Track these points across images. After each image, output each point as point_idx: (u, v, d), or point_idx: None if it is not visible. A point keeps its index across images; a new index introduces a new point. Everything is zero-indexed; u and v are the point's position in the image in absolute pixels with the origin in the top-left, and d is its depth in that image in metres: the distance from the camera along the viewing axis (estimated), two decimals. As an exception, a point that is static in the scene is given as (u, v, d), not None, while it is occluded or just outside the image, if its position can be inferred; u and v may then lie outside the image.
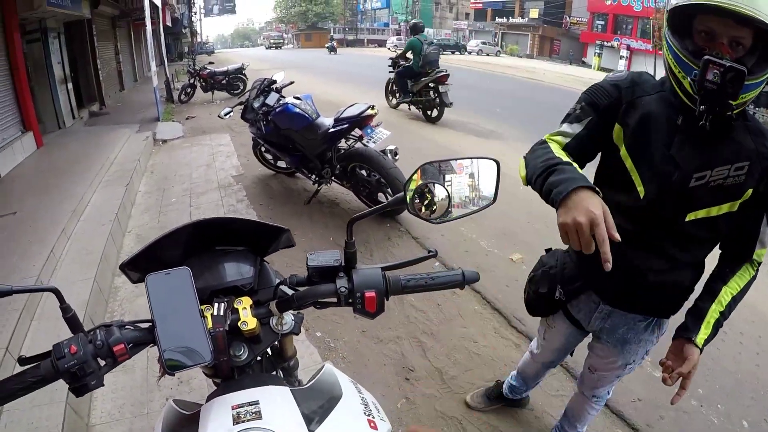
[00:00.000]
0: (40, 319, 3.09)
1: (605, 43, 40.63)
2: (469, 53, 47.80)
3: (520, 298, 3.60)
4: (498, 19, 54.63)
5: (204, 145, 8.37)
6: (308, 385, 1.04)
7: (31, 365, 0.90)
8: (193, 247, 1.15)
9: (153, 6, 11.68)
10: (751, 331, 3.79)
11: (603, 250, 1.09)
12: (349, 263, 1.08)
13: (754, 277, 1.55)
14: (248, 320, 1.00)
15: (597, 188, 1.20)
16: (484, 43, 49.55)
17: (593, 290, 1.76)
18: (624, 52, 37.30)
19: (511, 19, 52.48)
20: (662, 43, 1.41)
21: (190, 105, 13.34)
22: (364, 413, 1.00)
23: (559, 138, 1.56)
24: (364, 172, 4.82)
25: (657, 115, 1.44)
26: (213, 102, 13.56)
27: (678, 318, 1.64)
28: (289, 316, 1.07)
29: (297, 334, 1.10)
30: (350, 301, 1.05)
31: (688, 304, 1.64)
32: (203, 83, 13.84)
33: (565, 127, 1.56)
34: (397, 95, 11.08)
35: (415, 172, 1.12)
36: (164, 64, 15.25)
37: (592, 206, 1.13)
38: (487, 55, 46.77)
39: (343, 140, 4.95)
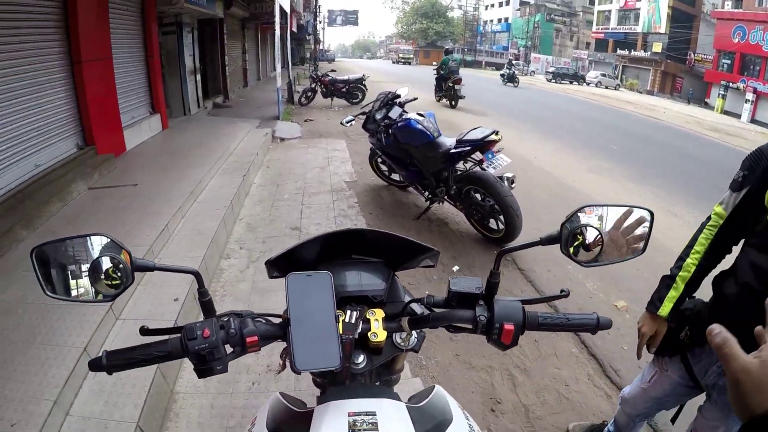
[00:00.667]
0: (125, 319, 3.05)
1: (730, 84, 37.89)
2: (588, 84, 46.18)
3: (620, 348, 3.54)
4: (619, 51, 52.61)
5: (320, 148, 8.68)
6: (422, 404, 1.04)
7: (157, 339, 0.96)
8: (331, 253, 1.18)
9: (282, 12, 12.25)
10: None
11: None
12: (491, 292, 1.08)
13: None
14: (378, 332, 1.01)
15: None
16: (603, 75, 47.76)
17: None
18: (750, 96, 34.41)
19: (632, 52, 50.27)
20: None
21: (309, 108, 13.88)
22: None
23: (719, 210, 1.62)
24: (478, 195, 4.79)
25: None
26: (332, 108, 14.02)
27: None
28: (414, 334, 1.08)
29: (417, 351, 1.10)
30: (486, 329, 1.04)
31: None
32: (324, 89, 14.39)
33: (726, 197, 1.59)
34: (437, 93, 17.03)
35: (574, 212, 1.12)
36: (287, 67, 15.91)
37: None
38: (606, 87, 44.98)
39: (462, 162, 4.93)
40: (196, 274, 0.99)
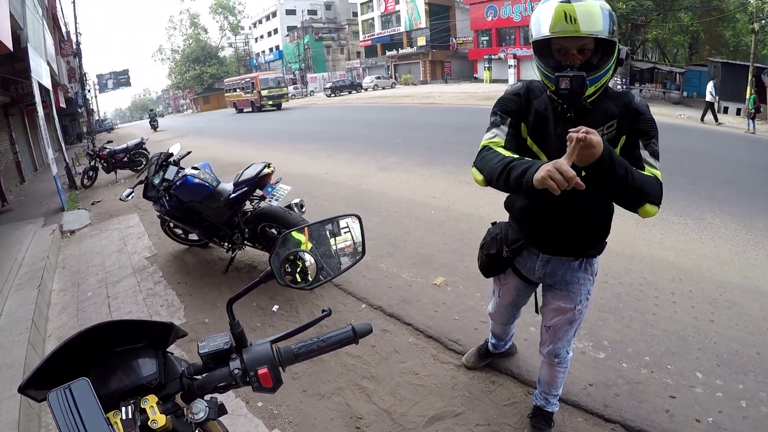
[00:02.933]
0: None
1: (493, 56, 42.78)
2: (365, 90, 48.92)
3: (452, 321, 3.83)
4: (388, 53, 56.39)
5: (113, 230, 8.05)
6: None
7: None
8: (95, 353, 1.11)
9: (43, 89, 11.30)
10: (681, 289, 4.20)
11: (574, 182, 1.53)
12: (240, 343, 1.11)
13: (656, 179, 1.85)
14: (157, 418, 0.99)
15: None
16: (378, 77, 50.97)
17: (532, 245, 2.24)
18: (512, 62, 39.50)
19: (400, 51, 54.28)
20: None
21: (94, 189, 12.83)
22: None
23: (496, 140, 1.98)
24: (274, 230, 4.83)
25: (545, 110, 1.96)
26: (117, 182, 13.13)
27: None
28: (200, 404, 1.06)
29: (215, 419, 1.09)
30: (247, 380, 1.07)
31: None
32: (104, 164, 13.36)
33: (496, 131, 2.01)
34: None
35: (277, 243, 1.18)
36: (62, 149, 14.66)
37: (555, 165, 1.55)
38: (383, 88, 48.15)
39: (247, 202, 4.96)
40: None
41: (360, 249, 1.30)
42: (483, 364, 3.20)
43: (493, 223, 2.51)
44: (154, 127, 33.00)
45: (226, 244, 5.16)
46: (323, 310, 1.19)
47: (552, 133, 1.95)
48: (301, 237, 1.29)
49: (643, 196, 1.78)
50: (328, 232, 1.33)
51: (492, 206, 6.20)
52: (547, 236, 2.16)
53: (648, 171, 1.85)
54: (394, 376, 3.26)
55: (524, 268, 2.34)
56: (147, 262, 6.09)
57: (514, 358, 3.27)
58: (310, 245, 1.27)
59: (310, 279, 1.22)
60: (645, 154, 1.88)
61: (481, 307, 3.91)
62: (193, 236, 5.96)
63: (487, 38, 45.31)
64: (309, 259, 1.21)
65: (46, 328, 4.87)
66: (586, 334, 3.51)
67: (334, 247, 1.30)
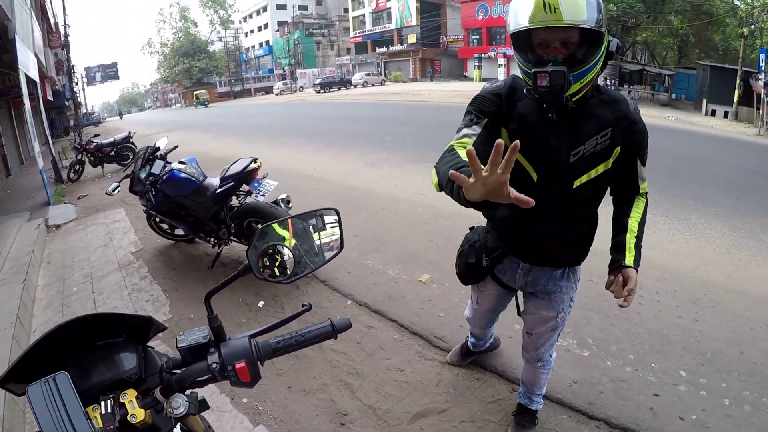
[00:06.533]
0: None
1: (483, 55, 42.95)
2: (355, 86, 48.85)
3: (437, 317, 3.83)
4: (378, 50, 56.39)
5: (99, 224, 7.98)
6: None
7: None
8: (75, 347, 1.10)
9: (31, 82, 11.18)
10: (665, 288, 4.24)
11: (520, 201, 1.19)
12: (219, 337, 1.10)
13: (647, 203, 1.97)
14: (136, 412, 0.98)
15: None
16: (368, 74, 50.82)
17: (513, 254, 2.14)
18: (502, 61, 39.68)
19: (391, 48, 54.30)
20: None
21: (81, 183, 12.71)
22: None
23: (465, 140, 1.75)
24: (259, 226, 4.78)
25: (532, 113, 1.79)
26: (104, 176, 13.01)
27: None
28: (180, 399, 1.05)
29: (195, 414, 1.08)
30: (225, 375, 1.06)
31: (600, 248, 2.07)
32: (91, 158, 13.25)
33: (467, 131, 1.78)
34: None
35: (255, 236, 1.17)
36: (49, 142, 14.53)
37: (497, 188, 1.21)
38: (373, 85, 48.14)
39: (234, 197, 4.94)
40: None
41: (339, 242, 1.29)
42: (467, 362, 3.21)
43: (471, 228, 2.41)
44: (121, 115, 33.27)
45: (212, 239, 5.13)
46: (303, 305, 1.18)
47: (540, 139, 1.79)
48: (283, 231, 1.28)
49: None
50: (312, 227, 1.31)
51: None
52: (528, 247, 2.06)
53: (642, 188, 1.92)
54: (379, 372, 3.26)
55: (504, 276, 2.23)
56: (133, 257, 6.04)
57: (499, 355, 3.28)
58: (293, 241, 1.26)
59: (288, 272, 1.21)
60: (640, 170, 1.87)
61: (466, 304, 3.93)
62: (179, 231, 5.91)
63: (477, 37, 45.49)
64: (287, 252, 1.20)
65: (31, 323, 4.81)
66: (570, 332, 3.53)
67: (318, 242, 1.29)
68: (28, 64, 10.42)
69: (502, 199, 1.21)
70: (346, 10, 65.67)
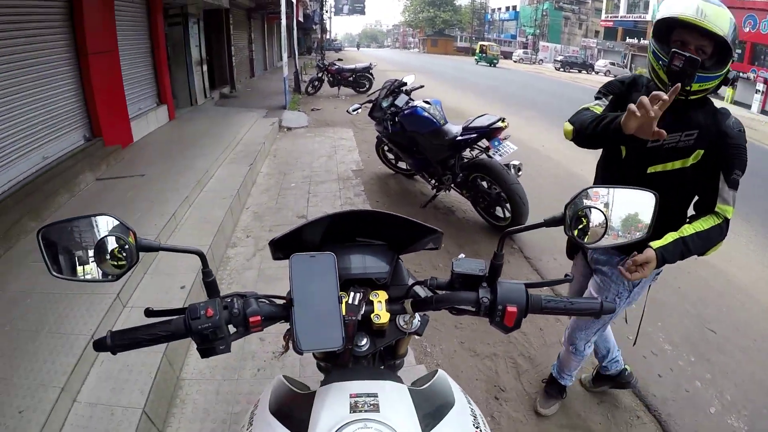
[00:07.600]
0: (132, 307, 3.08)
1: (741, 74, 37.15)
2: (597, 73, 45.70)
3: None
4: (628, 40, 52.11)
5: (327, 137, 8.67)
6: (424, 387, 1.02)
7: (161, 320, 0.95)
8: (335, 235, 1.18)
9: (288, 1, 12.19)
10: None
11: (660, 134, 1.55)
12: (494, 274, 1.07)
13: (720, 227, 1.86)
14: (382, 314, 1.02)
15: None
16: (612, 63, 47.05)
17: None
18: (761, 86, 32.79)
19: (642, 41, 49.90)
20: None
21: (316, 97, 13.84)
22: (473, 425, 0.98)
23: (596, 107, 2.02)
24: (485, 183, 4.76)
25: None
26: (338, 97, 13.99)
27: None
28: (418, 317, 1.08)
29: (420, 335, 1.10)
30: (489, 312, 1.03)
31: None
32: (330, 78, 14.37)
33: (597, 103, 2.06)
34: None
35: (578, 195, 1.09)
36: (294, 57, 15.86)
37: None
38: (615, 76, 45.01)
39: (468, 149, 4.91)
40: (201, 255, 0.99)
41: (648, 226, 1.16)
42: (599, 389, 2.93)
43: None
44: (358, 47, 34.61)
45: (433, 181, 5.23)
46: (565, 275, 1.13)
47: None
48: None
49: (706, 250, 1.86)
50: (618, 200, 1.17)
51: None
52: None
53: (718, 208, 1.85)
54: (549, 365, 3.06)
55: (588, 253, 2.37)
56: (352, 174, 6.47)
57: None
58: (607, 211, 1.14)
59: (586, 240, 1.11)
60: (722, 187, 1.84)
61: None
62: (403, 164, 6.14)
63: (740, 51, 39.71)
64: (598, 219, 1.09)
65: (246, 201, 5.52)
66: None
67: (624, 217, 1.15)
68: (288, -14, 11.45)
69: (647, 133, 1.55)
70: (601, -10, 61.76)
